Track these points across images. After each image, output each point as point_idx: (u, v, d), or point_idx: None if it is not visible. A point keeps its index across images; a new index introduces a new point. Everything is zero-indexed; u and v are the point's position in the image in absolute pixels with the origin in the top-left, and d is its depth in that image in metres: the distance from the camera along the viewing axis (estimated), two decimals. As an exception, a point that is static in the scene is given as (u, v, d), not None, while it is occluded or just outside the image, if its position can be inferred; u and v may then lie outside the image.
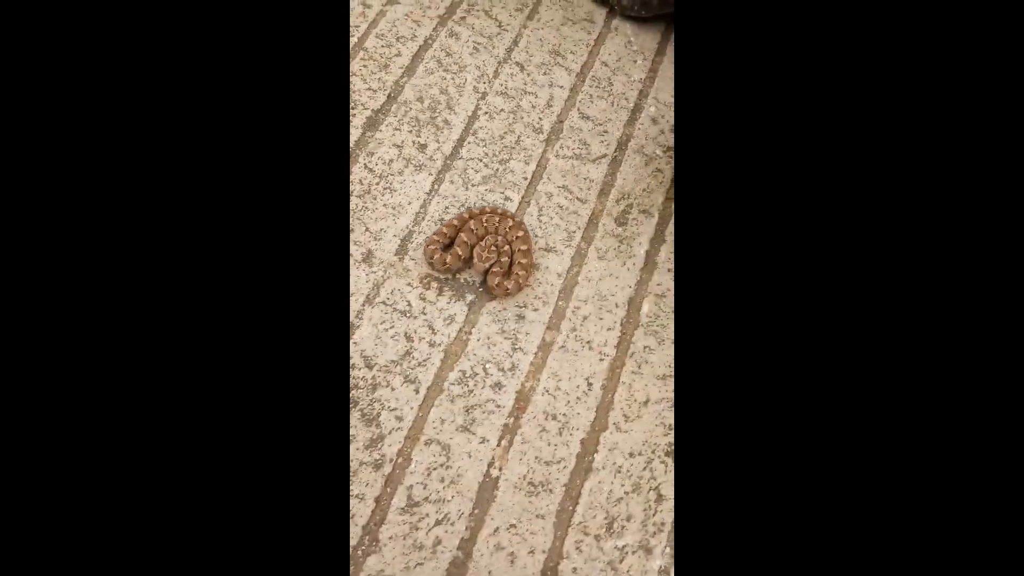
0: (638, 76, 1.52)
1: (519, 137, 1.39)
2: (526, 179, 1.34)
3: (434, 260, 1.20)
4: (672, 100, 1.49)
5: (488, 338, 1.17)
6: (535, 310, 1.21)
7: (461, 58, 1.48)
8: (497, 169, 1.35)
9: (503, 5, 1.57)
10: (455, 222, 1.24)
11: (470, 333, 1.17)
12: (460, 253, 1.20)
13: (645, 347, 1.19)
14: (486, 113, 1.41)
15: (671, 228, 1.33)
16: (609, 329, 1.21)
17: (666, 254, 1.30)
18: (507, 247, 1.23)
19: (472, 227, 1.23)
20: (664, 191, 1.37)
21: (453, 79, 1.45)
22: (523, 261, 1.22)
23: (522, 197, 1.33)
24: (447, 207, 1.29)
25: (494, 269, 1.21)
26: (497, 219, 1.26)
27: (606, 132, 1.43)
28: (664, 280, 1.27)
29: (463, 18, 1.54)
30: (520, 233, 1.25)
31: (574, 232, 1.30)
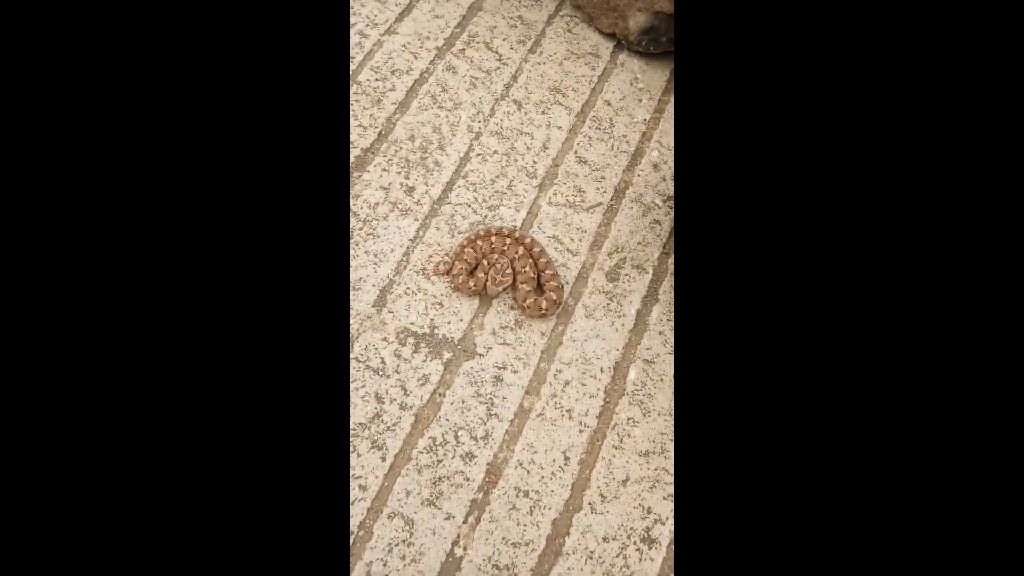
0: (642, 117, 1.44)
1: (511, 182, 1.33)
2: (515, 227, 1.28)
3: (461, 285, 1.18)
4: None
5: (463, 402, 1.11)
6: (515, 372, 1.15)
7: (457, 94, 1.42)
8: (486, 216, 1.29)
9: (505, 37, 1.50)
10: (471, 248, 1.22)
11: (444, 395, 1.12)
12: (484, 276, 1.19)
13: (629, 419, 1.13)
14: (479, 155, 1.35)
15: (666, 286, 1.25)
16: (592, 396, 1.14)
17: (658, 315, 1.22)
18: (527, 266, 1.20)
19: (480, 245, 1.22)
20: (661, 245, 1.30)
21: (447, 117, 1.39)
22: (550, 273, 1.20)
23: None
24: (430, 256, 1.23)
25: (523, 287, 1.18)
26: (498, 241, 1.23)
27: (603, 178, 1.36)
28: (654, 344, 1.19)
29: (462, 50, 1.48)
30: (538, 248, 1.23)
31: (562, 287, 1.24)
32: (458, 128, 1.38)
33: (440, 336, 1.16)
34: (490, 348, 1.16)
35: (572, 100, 1.44)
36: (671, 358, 1.18)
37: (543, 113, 1.42)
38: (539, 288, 1.21)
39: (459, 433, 1.09)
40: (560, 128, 1.41)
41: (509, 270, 1.19)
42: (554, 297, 1.18)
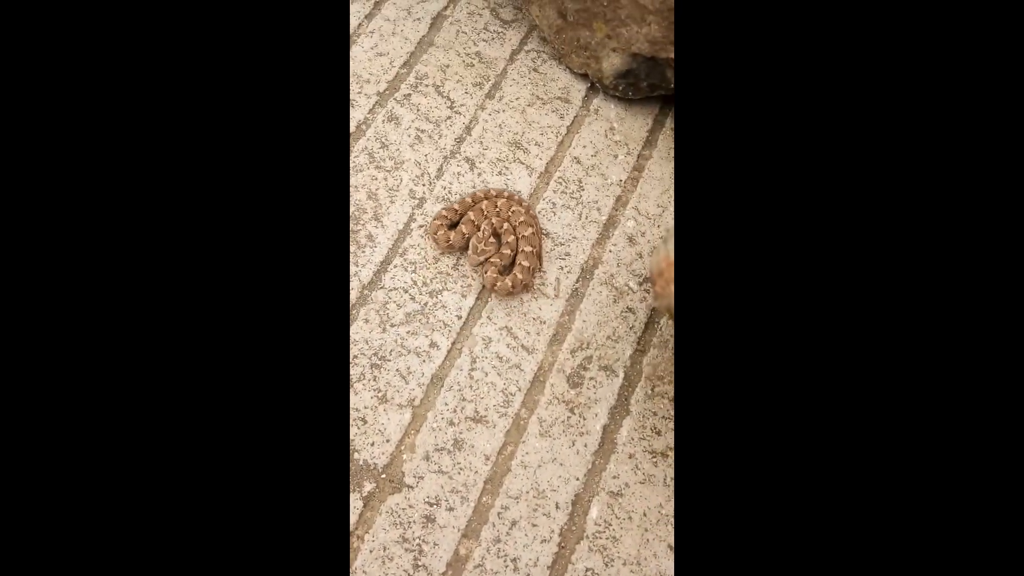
0: (617, 177, 1.23)
1: (458, 260, 1.12)
2: (460, 318, 1.07)
3: (437, 236, 1.11)
4: (657, 211, 1.20)
5: (384, 549, 0.91)
6: (450, 509, 0.94)
7: (399, 151, 1.21)
8: (426, 303, 1.08)
9: (459, 79, 1.29)
10: (468, 200, 1.15)
11: (362, 539, 0.91)
12: (465, 232, 1.11)
13: (587, 570, 0.92)
14: (421, 226, 1.14)
15: (639, 394, 1.04)
16: (544, 541, 0.94)
17: (629, 432, 1.01)
18: (511, 238, 1.12)
19: (483, 208, 1.14)
20: (634, 340, 1.09)
21: (386, 179, 1.18)
22: (527, 251, 1.10)
23: (452, 343, 1.06)
24: (354, 356, 1.03)
25: (492, 260, 1.09)
26: (505, 203, 1.15)
27: (568, 255, 1.15)
28: (623, 471, 0.99)
29: (408, 96, 1.26)
30: (529, 228, 1.11)
31: (513, 395, 1.03)
32: (398, 193, 1.17)
33: (360, 462, 0.96)
34: (421, 478, 0.96)
35: (535, 157, 1.23)
36: (642, 490, 0.97)
37: (500, 174, 1.21)
38: (510, 268, 1.11)
39: (378, 591, 0.89)
40: (519, 193, 1.20)
41: (491, 239, 1.09)
42: (519, 279, 1.07)
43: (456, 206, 1.13)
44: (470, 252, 1.10)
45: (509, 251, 1.10)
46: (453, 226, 1.13)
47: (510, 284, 1.06)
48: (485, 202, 1.14)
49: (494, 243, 1.10)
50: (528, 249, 1.09)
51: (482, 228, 1.11)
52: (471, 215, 1.12)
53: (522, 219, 1.12)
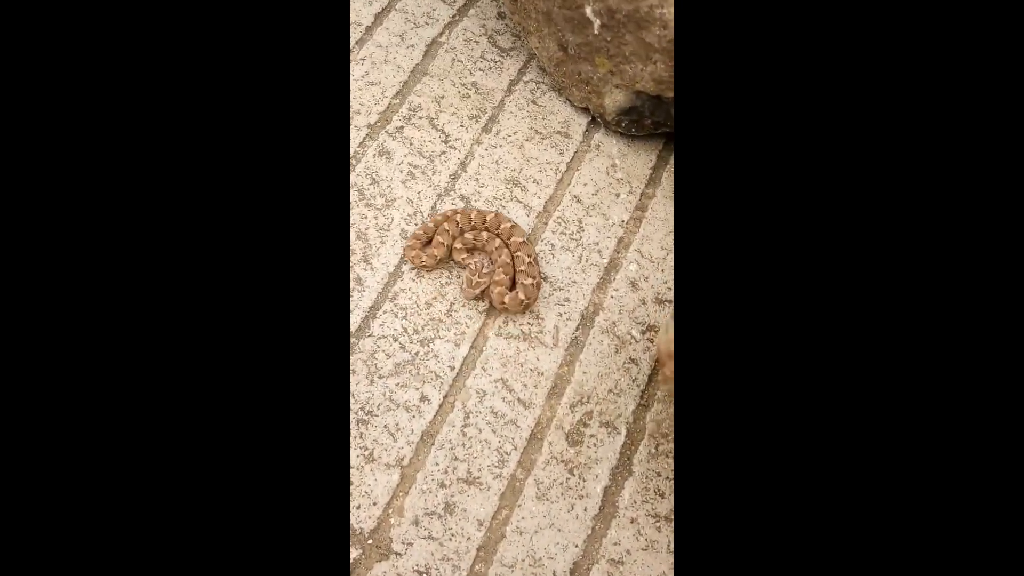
0: (619, 217, 1.18)
1: (451, 306, 1.07)
2: (453, 368, 1.02)
3: (425, 261, 1.07)
4: (661, 254, 1.15)
5: (370, 624, 0.85)
6: (441, 579, 0.89)
7: (391, 188, 1.15)
8: (417, 352, 1.03)
9: (454, 111, 1.24)
10: (438, 217, 1.12)
11: (347, 613, 0.86)
12: (443, 241, 1.08)
13: (587, 648, 0.87)
14: (413, 269, 1.09)
15: (642, 453, 0.99)
16: (540, 615, 0.88)
17: (631, 494, 0.96)
18: (507, 262, 1.07)
19: (446, 228, 1.09)
20: (637, 394, 1.03)
21: (376, 218, 1.12)
22: (528, 276, 1.06)
23: (444, 396, 1.00)
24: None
25: (494, 281, 1.06)
26: (476, 218, 1.12)
27: (567, 300, 1.09)
28: (624, 537, 0.93)
29: (400, 128, 1.21)
30: (522, 241, 1.09)
31: (508, 454, 0.97)
32: (388, 233, 1.11)
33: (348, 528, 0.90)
34: (410, 544, 0.90)
35: (533, 196, 1.17)
36: (644, 557, 0.92)
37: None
38: (514, 284, 1.09)
39: (363, 670, 0.83)
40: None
41: (485, 270, 1.06)
42: (526, 295, 1.05)
43: (428, 223, 1.10)
44: (465, 286, 1.05)
45: (504, 274, 1.06)
46: (427, 244, 1.10)
47: (512, 297, 1.04)
48: (447, 223, 1.10)
49: (487, 274, 1.06)
50: (528, 260, 1.06)
51: (472, 264, 1.06)
52: (445, 225, 1.09)
53: (525, 260, 1.07)
